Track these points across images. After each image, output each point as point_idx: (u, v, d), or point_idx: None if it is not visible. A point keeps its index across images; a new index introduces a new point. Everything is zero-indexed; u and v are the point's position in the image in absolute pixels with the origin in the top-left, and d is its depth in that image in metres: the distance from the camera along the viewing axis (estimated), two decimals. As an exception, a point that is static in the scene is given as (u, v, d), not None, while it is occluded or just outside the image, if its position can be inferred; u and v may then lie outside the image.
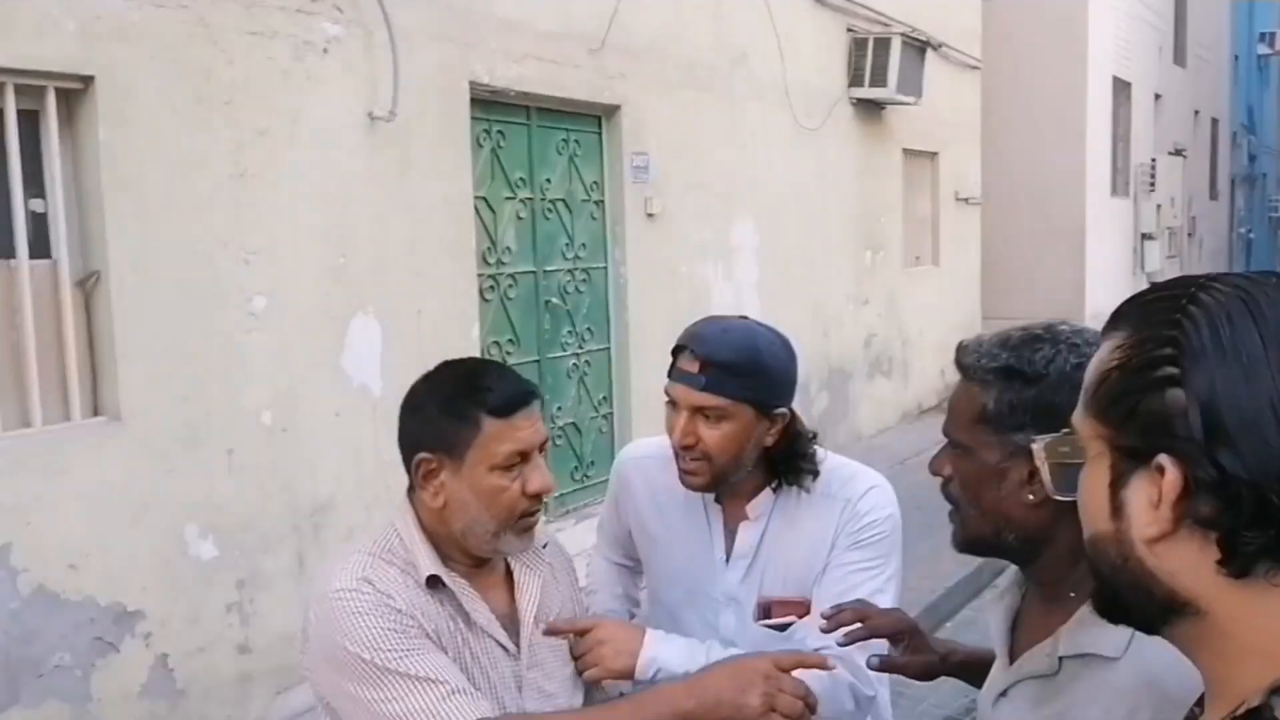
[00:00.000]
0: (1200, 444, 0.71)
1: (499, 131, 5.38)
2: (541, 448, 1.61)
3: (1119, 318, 0.81)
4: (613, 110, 6.02)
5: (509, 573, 1.71)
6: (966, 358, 1.35)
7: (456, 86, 4.97)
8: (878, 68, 8.47)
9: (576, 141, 5.90)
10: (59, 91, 3.59)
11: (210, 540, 3.92)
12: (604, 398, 6.13)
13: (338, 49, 4.40)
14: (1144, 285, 15.11)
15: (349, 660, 1.48)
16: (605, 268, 6.13)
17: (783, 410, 1.81)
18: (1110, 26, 13.55)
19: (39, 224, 3.62)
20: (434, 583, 1.57)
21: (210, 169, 3.93)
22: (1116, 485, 0.77)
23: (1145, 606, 0.77)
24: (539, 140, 5.63)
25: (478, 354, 5.07)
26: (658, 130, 6.32)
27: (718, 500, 1.89)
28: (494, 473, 1.55)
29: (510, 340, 5.47)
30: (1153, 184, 15.00)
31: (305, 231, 4.27)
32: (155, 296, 3.76)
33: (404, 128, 4.65)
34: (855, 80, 8.53)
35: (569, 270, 5.87)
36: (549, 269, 5.72)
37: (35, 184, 3.60)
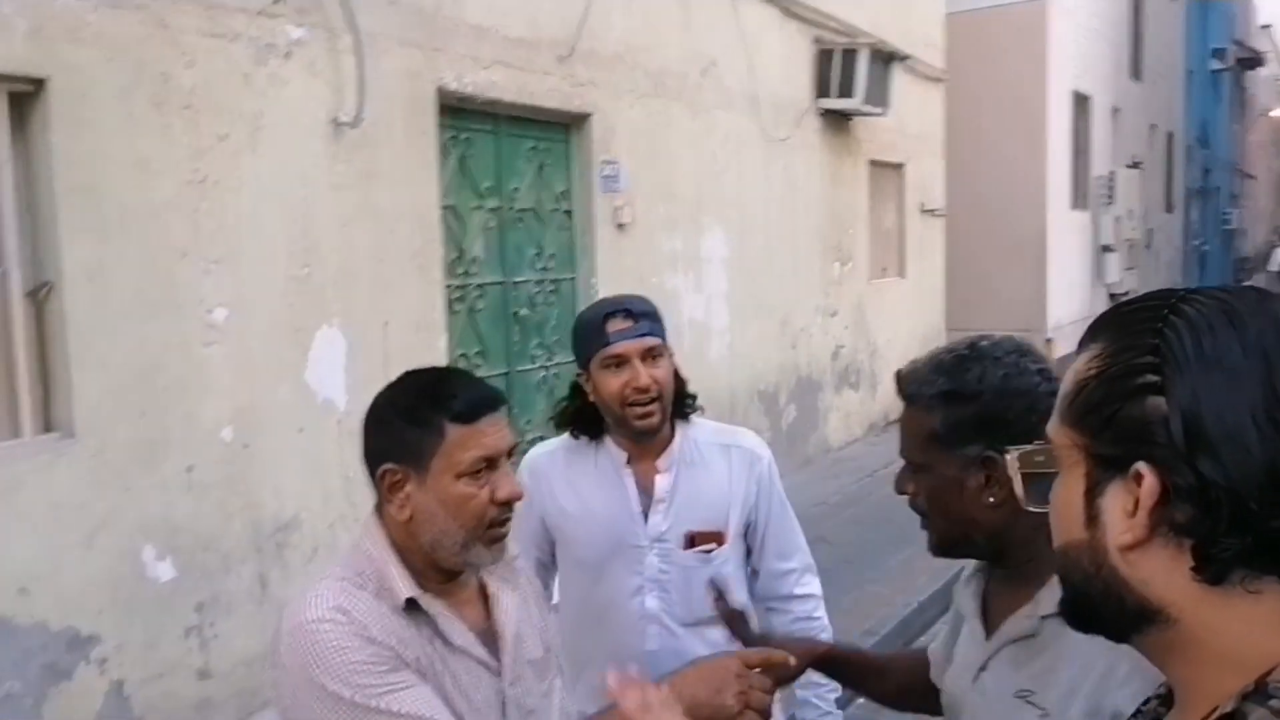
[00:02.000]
0: (1181, 451, 0.71)
1: (466, 139, 5.28)
2: (510, 454, 1.57)
3: (1097, 329, 0.81)
4: (582, 119, 5.93)
5: (483, 588, 1.65)
6: (908, 387, 1.48)
7: (423, 93, 4.86)
8: (845, 78, 8.46)
9: (545, 150, 5.81)
10: (9, 94, 3.44)
11: (168, 561, 3.77)
12: (574, 411, 6.02)
13: (301, 52, 4.28)
14: (1104, 296, 15.32)
15: (327, 698, 1.41)
16: (574, 279, 6.03)
17: (671, 350, 2.22)
18: (1070, 41, 13.70)
19: (-13, 232, 3.47)
20: (410, 605, 1.51)
21: (169, 175, 3.79)
22: (1092, 494, 0.77)
23: (1117, 615, 0.78)
24: (507, 148, 5.53)
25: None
26: (627, 139, 6.24)
27: (629, 464, 2.20)
28: (460, 480, 1.51)
29: (479, 353, 5.35)
30: (1111, 196, 15.16)
31: (268, 240, 4.14)
32: (111, 307, 3.61)
33: (369, 134, 4.53)
34: (822, 91, 8.51)
35: (538, 281, 5.77)
36: (518, 280, 5.61)
37: (-17, 190, 3.44)
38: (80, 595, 3.50)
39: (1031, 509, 0.91)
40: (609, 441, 2.23)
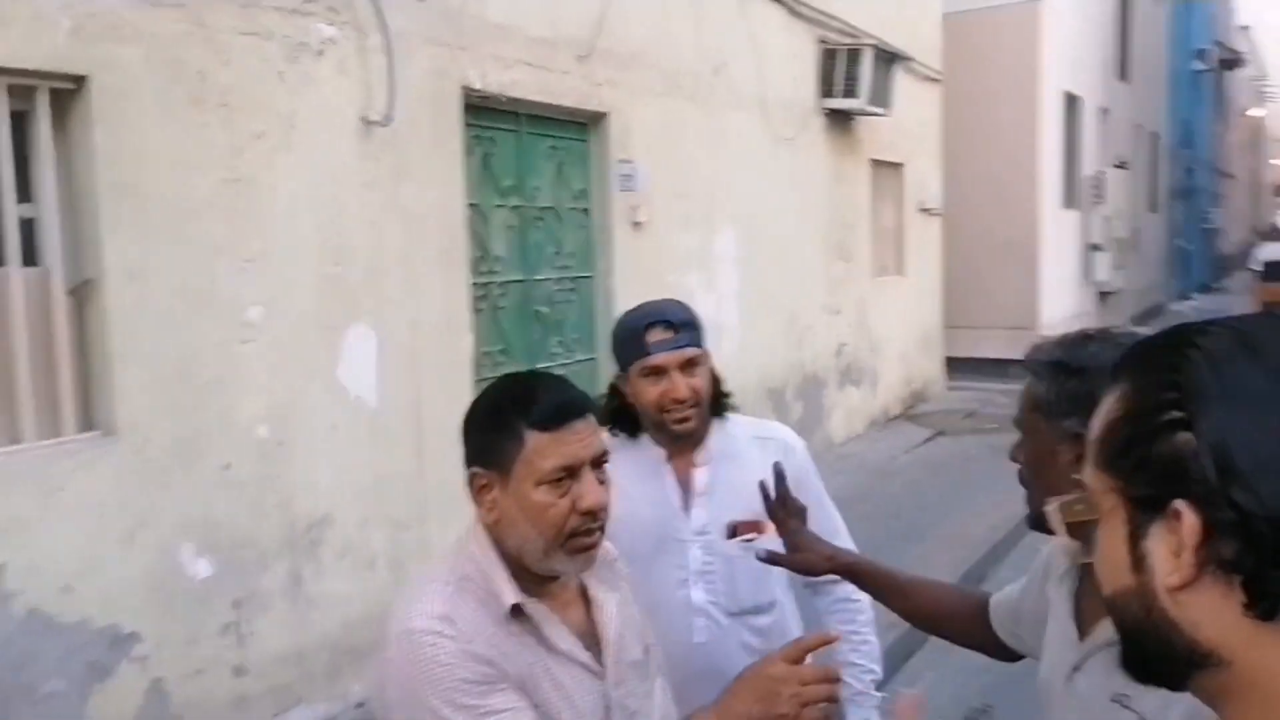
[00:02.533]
0: (1215, 485, 0.70)
1: (490, 138, 5.29)
2: (598, 462, 1.55)
3: (1118, 371, 0.80)
4: (600, 117, 5.95)
5: (584, 589, 1.66)
6: (1030, 355, 1.53)
7: (449, 91, 4.87)
8: (849, 79, 8.51)
9: (564, 149, 5.82)
10: (51, 92, 3.43)
11: (206, 559, 3.77)
12: (591, 408, 6.05)
13: (332, 51, 4.28)
14: (1093, 295, 15.41)
15: (428, 713, 1.43)
16: (592, 277, 6.05)
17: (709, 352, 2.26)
18: (1061, 42, 13.80)
19: (28, 230, 3.46)
20: (515, 610, 1.52)
21: (206, 173, 3.79)
22: (1135, 537, 0.76)
23: (1169, 660, 0.76)
24: (528, 147, 5.55)
25: (469, 366, 4.97)
26: (644, 138, 6.26)
27: (669, 460, 2.25)
28: (540, 488, 1.50)
29: (502, 351, 5.36)
30: (1100, 196, 15.30)
31: (301, 239, 4.14)
32: (151, 306, 3.61)
33: (398, 132, 4.54)
34: (827, 91, 8.56)
35: (557, 279, 5.78)
36: (538, 278, 5.63)
37: (25, 188, 3.44)
38: (121, 593, 3.51)
39: (1082, 560, 0.91)
40: (646, 439, 2.26)
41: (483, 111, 5.17)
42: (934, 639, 2.35)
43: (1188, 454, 0.71)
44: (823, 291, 8.76)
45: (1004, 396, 11.75)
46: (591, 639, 1.61)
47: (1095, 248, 15.27)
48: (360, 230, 4.39)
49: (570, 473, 1.51)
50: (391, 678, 1.48)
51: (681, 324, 2.16)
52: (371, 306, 4.43)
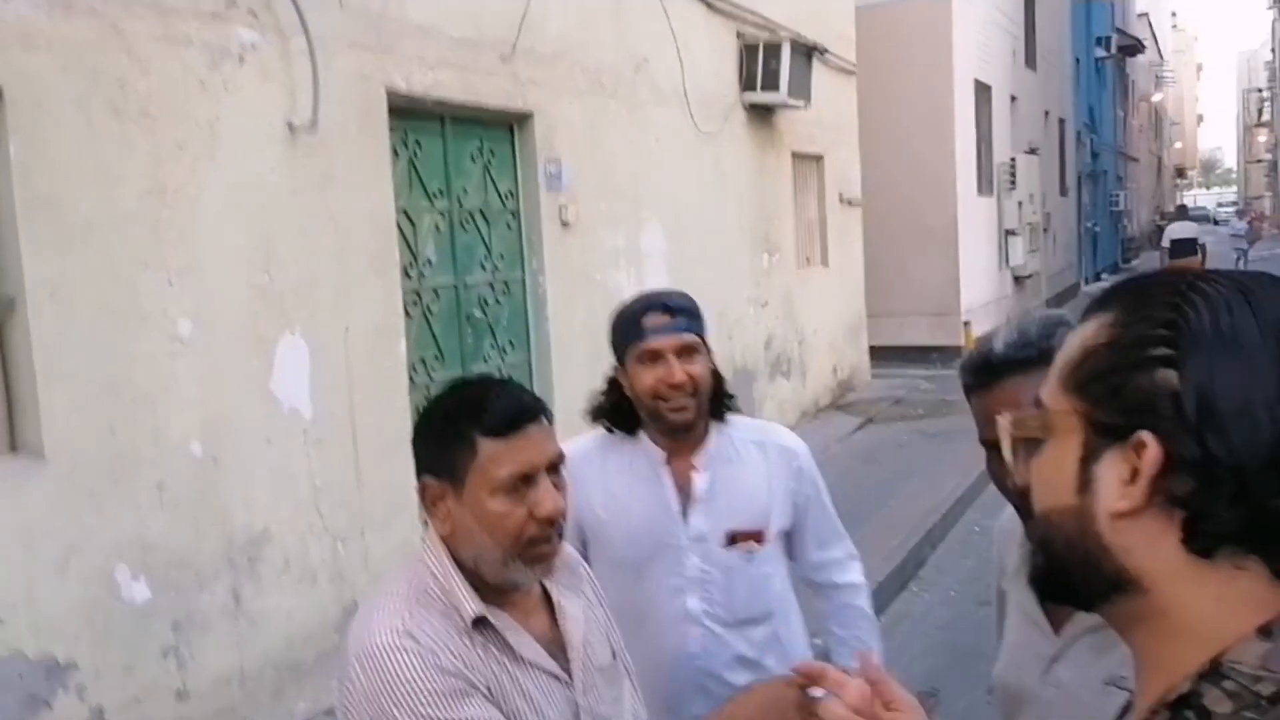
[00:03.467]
0: (1191, 424, 0.72)
1: (416, 141, 5.23)
2: (554, 467, 1.53)
3: (1109, 298, 0.82)
4: (525, 117, 5.92)
5: (546, 594, 1.64)
6: (1007, 354, 1.47)
7: (374, 94, 4.80)
8: (769, 72, 8.58)
9: (490, 150, 5.78)
10: (-38, 104, 3.31)
11: (143, 581, 3.67)
12: (526, 410, 6.02)
13: (254, 57, 4.19)
14: (1009, 279, 15.70)
15: None
16: (523, 278, 6.02)
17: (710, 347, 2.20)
18: (971, 32, 14.09)
19: (-57, 248, 3.33)
20: (478, 622, 1.50)
21: (129, 184, 3.69)
22: (1087, 460, 0.78)
23: (1091, 582, 0.79)
24: (454, 149, 5.49)
25: (404, 372, 4.91)
26: (568, 137, 6.25)
27: (666, 463, 2.17)
28: (496, 497, 1.47)
29: (435, 356, 5.31)
30: (1013, 182, 15.67)
31: (229, 249, 4.05)
32: (75, 322, 3.50)
33: (324, 138, 4.46)
34: (748, 85, 8.62)
35: (488, 282, 5.74)
36: (469, 281, 5.58)
37: (-63, 205, 3.31)
38: (56, 621, 3.40)
39: (1017, 477, 0.88)
40: (645, 438, 2.19)
41: (408, 114, 5.11)
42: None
43: (1165, 391, 0.73)
44: (750, 284, 8.83)
45: (929, 383, 11.99)
46: (557, 646, 1.59)
47: (1010, 233, 15.64)
48: (289, 238, 4.31)
49: (526, 479, 1.48)
50: (356, 700, 1.44)
51: (680, 309, 2.11)
52: (303, 316, 4.35)
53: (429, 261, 5.29)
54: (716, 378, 2.18)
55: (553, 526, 1.51)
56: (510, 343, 5.89)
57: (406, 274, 5.07)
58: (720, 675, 2.14)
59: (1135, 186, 36.92)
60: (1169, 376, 0.74)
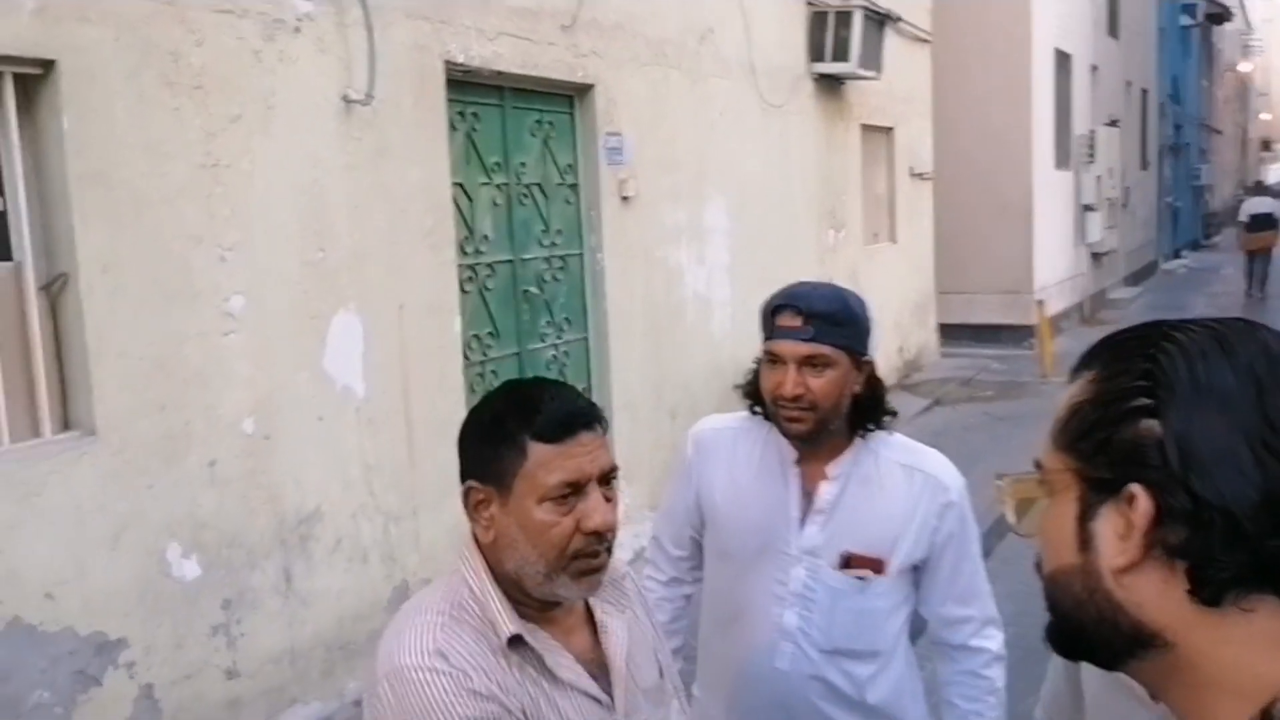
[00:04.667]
0: (1175, 472, 0.72)
1: (473, 113, 5.13)
2: (605, 478, 1.43)
3: (1090, 357, 0.83)
4: (585, 89, 5.80)
5: (589, 610, 1.54)
6: None
7: (431, 66, 4.71)
8: (839, 42, 8.34)
9: (550, 123, 5.67)
10: (16, 77, 3.28)
11: (193, 559, 3.66)
12: (584, 388, 5.93)
13: (309, 27, 4.12)
14: (1085, 256, 15.30)
15: None
16: (581, 254, 5.91)
17: (869, 358, 1.99)
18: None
19: (-2, 223, 3.32)
20: (515, 641, 1.41)
21: (181, 159, 3.65)
22: (1084, 518, 0.78)
23: (1111, 640, 0.78)
24: (513, 122, 5.39)
25: (459, 350, 4.85)
26: (630, 110, 6.11)
27: (797, 463, 1.99)
28: (542, 505, 1.39)
29: (490, 333, 5.24)
30: (1092, 155, 15.16)
31: (282, 224, 4.00)
32: (127, 299, 3.48)
33: (380, 111, 4.39)
34: (816, 55, 8.39)
35: (545, 258, 5.65)
36: (525, 257, 5.49)
37: (-8, 179, 3.29)
38: (107, 597, 3.40)
39: (1020, 534, 0.88)
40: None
41: (466, 86, 5.02)
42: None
43: (1150, 441, 0.74)
44: (814, 261, 8.63)
45: (998, 363, 11.69)
46: (599, 666, 1.51)
47: (1088, 208, 15.16)
48: (343, 214, 4.25)
49: (575, 489, 1.40)
50: (381, 718, 1.38)
51: (815, 314, 1.89)
52: (356, 292, 4.30)
53: (485, 237, 5.21)
54: (871, 386, 1.98)
55: (601, 541, 1.43)
56: (567, 320, 5.80)
57: (462, 250, 5.00)
58: (809, 699, 1.99)
59: (1219, 160, 35.70)
60: (1152, 426, 0.74)
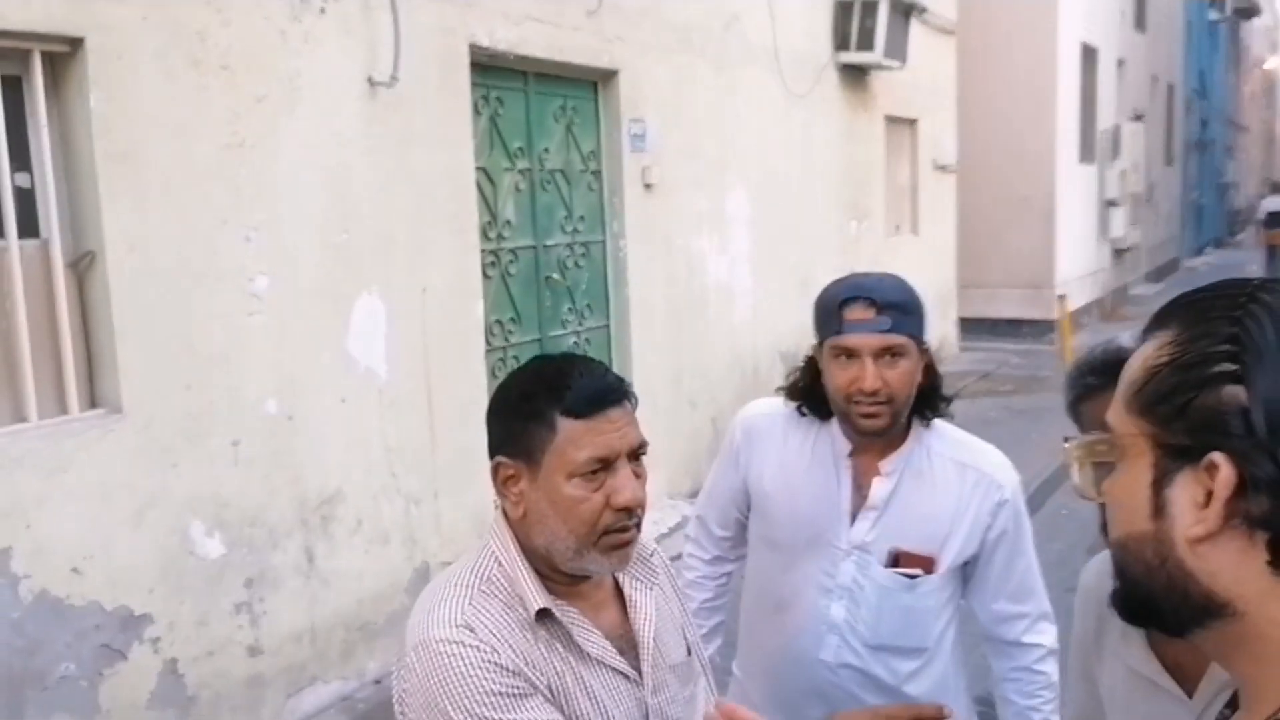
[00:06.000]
0: (1262, 441, 0.69)
1: (497, 98, 5.13)
2: (635, 454, 1.43)
3: (1166, 316, 0.80)
4: (610, 75, 5.78)
5: (618, 586, 1.54)
6: None
7: (456, 49, 4.71)
8: (864, 31, 8.30)
9: (574, 108, 5.66)
10: (45, 55, 3.29)
11: (217, 537, 3.68)
12: (604, 375, 5.93)
13: (335, 8, 4.12)
14: (1108, 252, 15.15)
15: None
16: (604, 241, 5.91)
17: (928, 346, 1.94)
18: (1078, -9, 13.50)
19: (26, 200, 3.33)
20: (542, 615, 1.41)
21: (207, 138, 3.66)
22: (1159, 484, 0.76)
23: (1180, 608, 0.76)
24: (536, 107, 5.39)
25: (481, 334, 4.85)
26: (654, 96, 6.10)
27: (850, 456, 1.96)
28: (572, 481, 1.38)
29: (512, 319, 5.25)
30: (1116, 150, 15.04)
31: (306, 206, 4.01)
32: (154, 278, 3.49)
33: (405, 94, 4.39)
34: (841, 44, 8.35)
35: (568, 244, 5.65)
36: (548, 243, 5.49)
37: (21, 157, 3.31)
38: (131, 573, 3.42)
39: (1087, 498, 0.86)
40: (835, 424, 1.97)
41: (490, 70, 5.01)
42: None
43: (1233, 408, 0.71)
44: (836, 252, 8.60)
45: (1018, 357, 11.63)
46: (627, 642, 1.50)
47: (1111, 203, 15.04)
48: (367, 196, 4.26)
49: (605, 465, 1.39)
50: (410, 691, 1.38)
51: (888, 304, 1.84)
52: (380, 275, 4.31)
53: (508, 222, 5.21)
54: (929, 375, 1.93)
55: (631, 516, 1.42)
56: (589, 307, 5.80)
57: (485, 234, 5.00)
58: (853, 693, 1.96)
59: (1245, 157, 35.36)
60: (1236, 393, 0.71)
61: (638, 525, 1.45)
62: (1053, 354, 11.31)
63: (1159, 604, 0.78)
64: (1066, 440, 0.87)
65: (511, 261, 5.24)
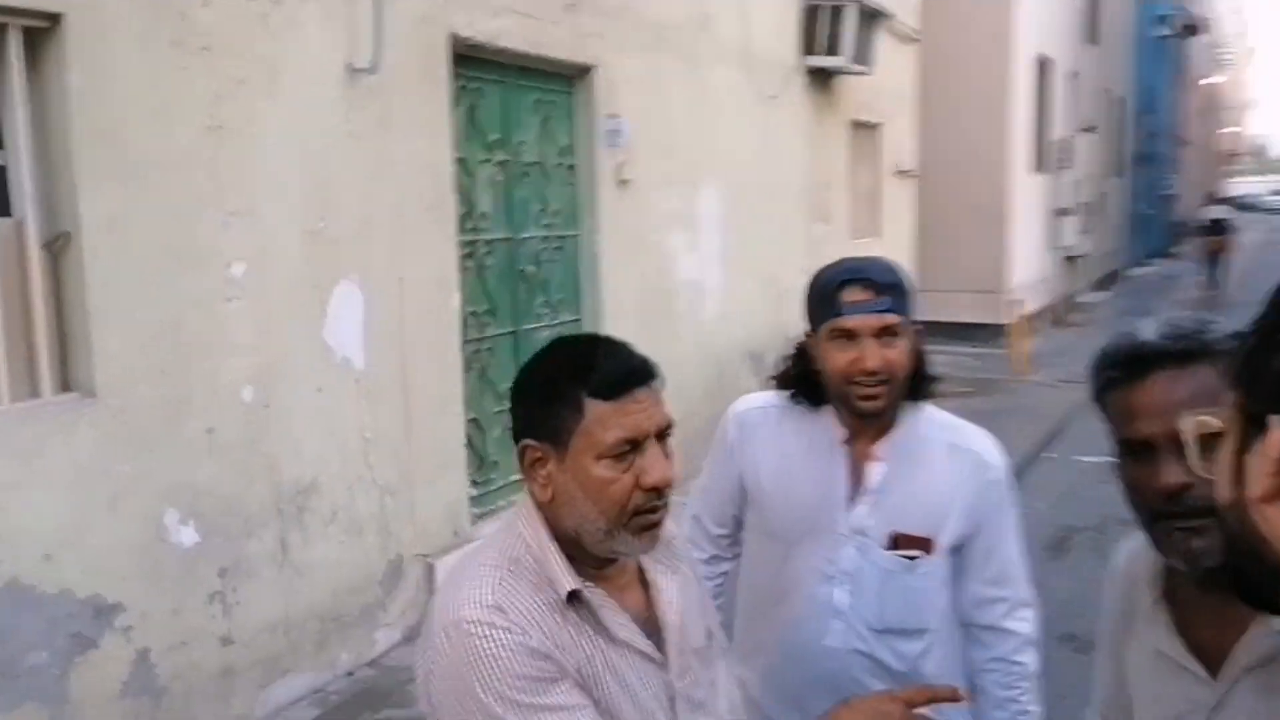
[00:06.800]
0: None
1: (476, 89, 5.10)
2: (662, 435, 1.42)
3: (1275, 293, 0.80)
4: (586, 70, 5.78)
5: (641, 572, 1.53)
6: (1159, 345, 1.30)
7: (436, 39, 4.67)
8: (832, 36, 8.37)
9: (550, 102, 5.64)
10: (24, 30, 3.22)
11: (191, 526, 3.61)
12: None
13: (317, -6, 4.07)
14: (1058, 259, 15.37)
15: (480, 709, 1.32)
16: (578, 236, 5.89)
17: (920, 325, 1.95)
18: (1035, 4, 13.72)
19: (0, 178, 3.25)
20: (572, 597, 1.40)
21: (187, 120, 3.59)
22: (1241, 452, 0.75)
23: (1259, 577, 0.76)
24: (514, 100, 5.36)
25: (457, 326, 4.82)
26: (629, 93, 6.10)
27: (846, 443, 1.97)
28: (601, 463, 1.37)
29: (487, 311, 5.21)
30: (1069, 161, 15.31)
31: (285, 191, 3.96)
32: (131, 260, 3.42)
33: (385, 82, 4.35)
34: (810, 48, 8.41)
35: (543, 238, 5.62)
36: (523, 236, 5.47)
37: (-5, 133, 3.23)
38: (104, 562, 3.35)
39: (1202, 475, 0.87)
40: (827, 412, 1.98)
41: (470, 61, 4.98)
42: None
43: None
44: (802, 253, 8.66)
45: (973, 360, 11.78)
46: (651, 626, 1.49)
47: (1062, 212, 15.31)
48: (346, 183, 4.21)
49: (633, 445, 1.38)
50: (438, 672, 1.36)
51: (885, 285, 1.86)
52: (358, 263, 4.26)
53: (484, 214, 5.17)
54: (919, 358, 1.95)
55: (660, 496, 1.42)
56: (562, 301, 5.78)
57: (462, 226, 4.96)
58: (858, 678, 1.96)
59: (1187, 171, 36.15)
60: None
61: (666, 505, 1.45)
62: (1004, 357, 11.49)
63: (1245, 574, 0.77)
64: (1185, 418, 0.88)
65: (487, 254, 5.21)
